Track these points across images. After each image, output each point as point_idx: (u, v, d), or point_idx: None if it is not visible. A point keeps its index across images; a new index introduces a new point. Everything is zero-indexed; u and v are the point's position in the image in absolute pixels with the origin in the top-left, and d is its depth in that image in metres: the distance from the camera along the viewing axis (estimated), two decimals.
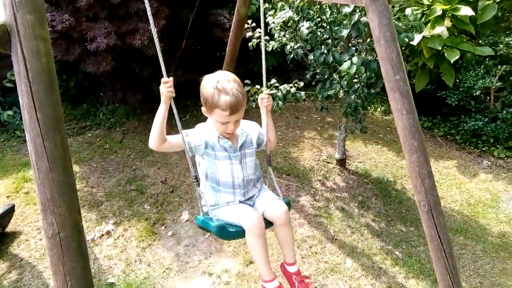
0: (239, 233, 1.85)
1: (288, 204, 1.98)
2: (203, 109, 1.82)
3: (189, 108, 4.86)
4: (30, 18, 1.13)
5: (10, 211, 3.01)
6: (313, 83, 3.51)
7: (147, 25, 3.57)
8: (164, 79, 1.65)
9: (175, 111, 1.73)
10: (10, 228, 3.01)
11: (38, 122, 1.13)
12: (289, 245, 1.99)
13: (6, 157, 4.06)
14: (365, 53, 2.91)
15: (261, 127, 2.03)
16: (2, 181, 3.62)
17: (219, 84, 1.71)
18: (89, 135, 4.49)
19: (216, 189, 1.91)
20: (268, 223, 1.92)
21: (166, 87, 1.65)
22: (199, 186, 1.89)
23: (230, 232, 1.86)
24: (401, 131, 1.84)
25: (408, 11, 3.45)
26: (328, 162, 4.00)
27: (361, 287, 2.59)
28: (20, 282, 2.58)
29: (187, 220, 3.18)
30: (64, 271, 1.19)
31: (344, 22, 2.80)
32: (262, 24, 2.03)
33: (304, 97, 3.37)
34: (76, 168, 3.82)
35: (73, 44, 3.65)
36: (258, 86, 3.46)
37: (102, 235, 3.00)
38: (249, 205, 1.96)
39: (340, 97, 3.04)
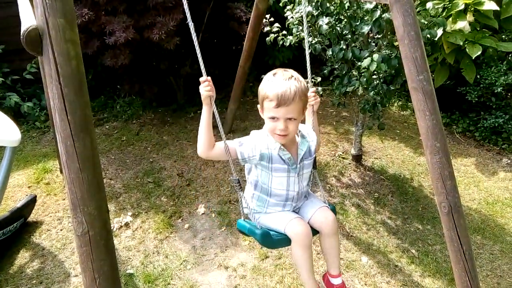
0: (284, 241, 1.75)
1: (334, 210, 1.86)
2: (258, 106, 1.70)
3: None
4: (61, 21, 1.15)
5: (32, 201, 3.10)
6: (330, 78, 3.48)
7: (165, 19, 3.58)
8: (202, 78, 1.51)
9: (217, 115, 1.55)
10: (31, 218, 3.09)
11: (69, 124, 1.16)
12: (335, 256, 1.86)
13: (27, 148, 4.14)
14: (385, 49, 2.87)
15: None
16: (24, 172, 3.70)
17: (274, 74, 1.62)
18: (107, 127, 4.56)
19: (264, 200, 1.78)
20: (314, 231, 1.81)
21: (204, 86, 1.51)
22: (242, 190, 1.75)
23: (274, 240, 1.75)
24: (423, 132, 1.82)
25: (429, 5, 3.36)
26: (343, 158, 3.98)
27: (377, 285, 2.60)
28: (42, 270, 2.65)
29: (203, 214, 3.22)
30: (93, 268, 1.23)
31: (365, 18, 2.76)
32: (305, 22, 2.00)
33: (321, 93, 3.35)
34: None
35: (92, 38, 3.69)
36: None
37: (121, 226, 3.06)
38: (295, 211, 1.83)
39: (359, 94, 3.00)
